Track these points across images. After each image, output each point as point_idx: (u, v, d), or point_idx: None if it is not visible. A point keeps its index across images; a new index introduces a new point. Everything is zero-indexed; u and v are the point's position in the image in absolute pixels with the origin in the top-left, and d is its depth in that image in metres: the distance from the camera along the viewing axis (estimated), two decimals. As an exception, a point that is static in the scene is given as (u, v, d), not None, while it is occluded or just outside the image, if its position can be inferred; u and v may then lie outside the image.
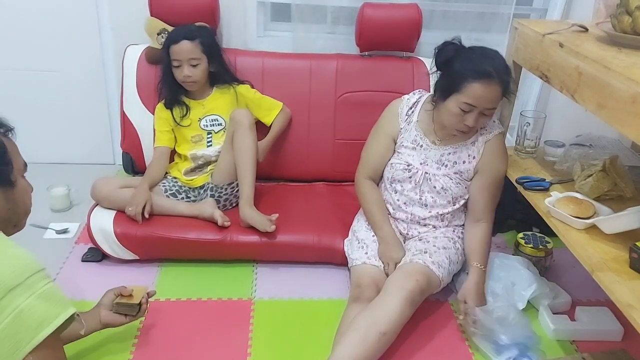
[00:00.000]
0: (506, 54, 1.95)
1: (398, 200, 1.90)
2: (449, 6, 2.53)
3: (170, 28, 2.28)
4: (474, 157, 1.83)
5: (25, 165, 1.24)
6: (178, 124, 2.18)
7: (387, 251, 1.81)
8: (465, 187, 1.85)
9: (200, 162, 2.18)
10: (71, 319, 1.07)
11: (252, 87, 2.28)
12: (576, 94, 1.52)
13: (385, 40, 2.36)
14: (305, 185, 2.38)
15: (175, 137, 2.22)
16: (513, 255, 2.02)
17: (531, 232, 2.11)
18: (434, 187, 1.84)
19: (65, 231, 2.21)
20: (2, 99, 2.53)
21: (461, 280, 1.93)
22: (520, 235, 2.07)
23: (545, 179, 1.84)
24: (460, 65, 1.70)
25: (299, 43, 2.49)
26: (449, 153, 1.84)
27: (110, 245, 1.97)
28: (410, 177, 1.87)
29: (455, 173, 1.84)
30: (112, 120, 2.68)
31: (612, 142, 2.02)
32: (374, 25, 2.31)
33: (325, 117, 2.37)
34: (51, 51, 2.52)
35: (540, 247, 2.01)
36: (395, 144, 1.91)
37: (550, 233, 1.82)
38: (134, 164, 2.38)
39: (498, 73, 1.66)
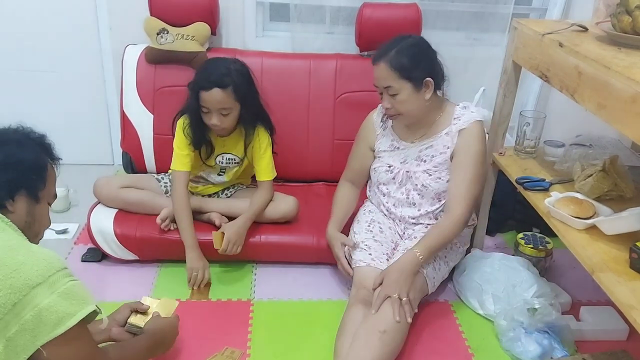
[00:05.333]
0: (506, 54, 1.95)
1: (387, 202, 1.92)
2: (448, 6, 2.53)
3: (170, 28, 2.27)
4: (448, 147, 1.82)
5: (55, 196, 1.31)
6: (203, 162, 2.04)
7: None
8: (447, 181, 1.84)
9: (205, 180, 2.12)
10: (92, 314, 1.11)
11: (273, 133, 2.07)
12: (576, 93, 1.52)
13: (385, 40, 2.35)
14: (305, 185, 2.37)
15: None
16: (513, 255, 2.02)
17: (531, 233, 2.11)
18: (416, 185, 1.85)
19: (64, 231, 2.21)
20: (1, 99, 2.53)
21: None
22: (520, 235, 2.07)
23: (545, 179, 1.84)
24: None
25: (298, 43, 2.48)
26: (426, 147, 1.85)
27: (110, 245, 1.97)
28: (393, 178, 1.89)
29: (434, 167, 1.83)
30: (111, 120, 2.68)
31: (612, 142, 2.01)
32: (374, 25, 2.31)
33: (325, 118, 2.36)
34: (50, 51, 2.52)
35: (540, 247, 2.01)
36: (374, 151, 1.96)
37: (551, 233, 1.81)
38: (133, 164, 2.38)
39: (382, 55, 1.76)
